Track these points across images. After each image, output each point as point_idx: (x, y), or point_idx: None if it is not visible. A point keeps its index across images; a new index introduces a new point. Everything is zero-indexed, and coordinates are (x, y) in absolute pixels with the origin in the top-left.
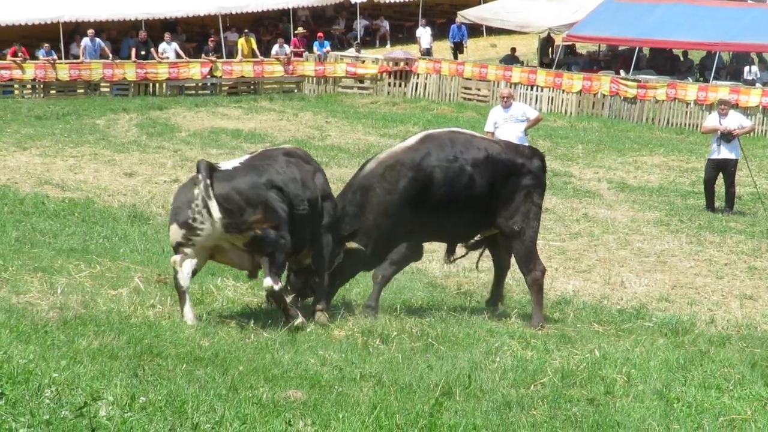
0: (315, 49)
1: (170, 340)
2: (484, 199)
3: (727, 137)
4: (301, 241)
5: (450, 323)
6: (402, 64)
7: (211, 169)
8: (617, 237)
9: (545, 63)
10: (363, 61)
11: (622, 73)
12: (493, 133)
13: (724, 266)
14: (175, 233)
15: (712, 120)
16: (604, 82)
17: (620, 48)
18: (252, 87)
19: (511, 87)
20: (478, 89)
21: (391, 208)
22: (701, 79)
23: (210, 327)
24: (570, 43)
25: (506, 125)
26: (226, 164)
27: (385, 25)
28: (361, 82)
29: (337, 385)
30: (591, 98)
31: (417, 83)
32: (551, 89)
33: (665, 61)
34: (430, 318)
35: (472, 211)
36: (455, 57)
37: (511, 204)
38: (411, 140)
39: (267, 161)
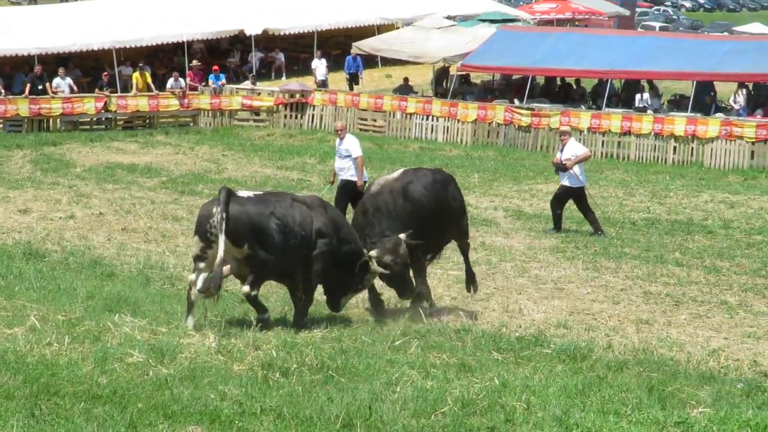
0: (210, 82)
1: (67, 378)
2: None
3: (560, 167)
4: (293, 265)
5: (350, 354)
6: (298, 95)
7: (229, 195)
8: (515, 264)
9: (440, 93)
10: (259, 94)
11: (516, 101)
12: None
13: (620, 291)
14: (196, 244)
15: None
16: (498, 111)
17: (514, 77)
18: (147, 121)
19: (405, 117)
20: (374, 120)
21: None
22: (594, 106)
23: (108, 364)
24: (464, 72)
25: (336, 157)
26: (243, 193)
27: (281, 57)
28: (257, 114)
29: (237, 419)
30: (486, 127)
31: (313, 115)
32: (446, 119)
33: (558, 90)
34: (330, 350)
35: None
36: (351, 88)
37: None
38: None
39: (276, 198)
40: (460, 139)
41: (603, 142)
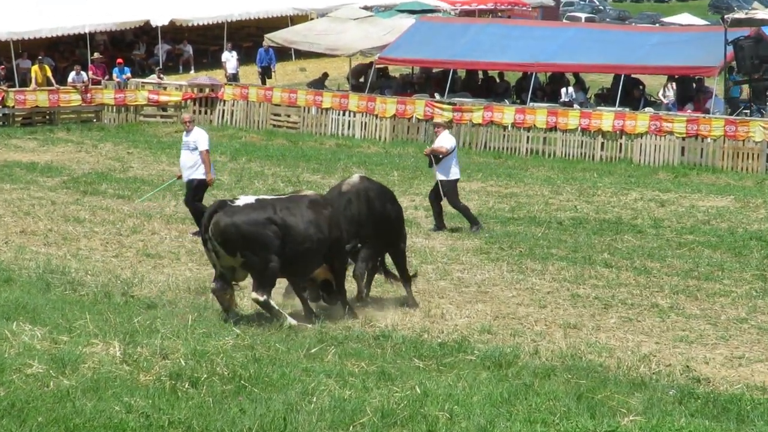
0: (114, 75)
1: None
2: None
3: (433, 158)
4: (311, 266)
5: (263, 363)
6: (207, 90)
7: (217, 210)
8: (436, 267)
9: (356, 86)
10: (165, 88)
11: (437, 96)
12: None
13: (546, 294)
14: (206, 253)
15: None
16: (418, 105)
17: (434, 70)
18: (47, 117)
19: (321, 112)
20: (288, 115)
21: None
22: (518, 101)
23: (5, 375)
24: (382, 65)
25: (182, 151)
26: (242, 200)
27: (189, 49)
28: (164, 110)
29: None
30: (405, 123)
31: (223, 110)
32: (364, 114)
33: (481, 84)
34: (243, 358)
35: None
36: (263, 82)
37: None
38: None
39: (282, 201)
40: (379, 135)
41: (528, 138)
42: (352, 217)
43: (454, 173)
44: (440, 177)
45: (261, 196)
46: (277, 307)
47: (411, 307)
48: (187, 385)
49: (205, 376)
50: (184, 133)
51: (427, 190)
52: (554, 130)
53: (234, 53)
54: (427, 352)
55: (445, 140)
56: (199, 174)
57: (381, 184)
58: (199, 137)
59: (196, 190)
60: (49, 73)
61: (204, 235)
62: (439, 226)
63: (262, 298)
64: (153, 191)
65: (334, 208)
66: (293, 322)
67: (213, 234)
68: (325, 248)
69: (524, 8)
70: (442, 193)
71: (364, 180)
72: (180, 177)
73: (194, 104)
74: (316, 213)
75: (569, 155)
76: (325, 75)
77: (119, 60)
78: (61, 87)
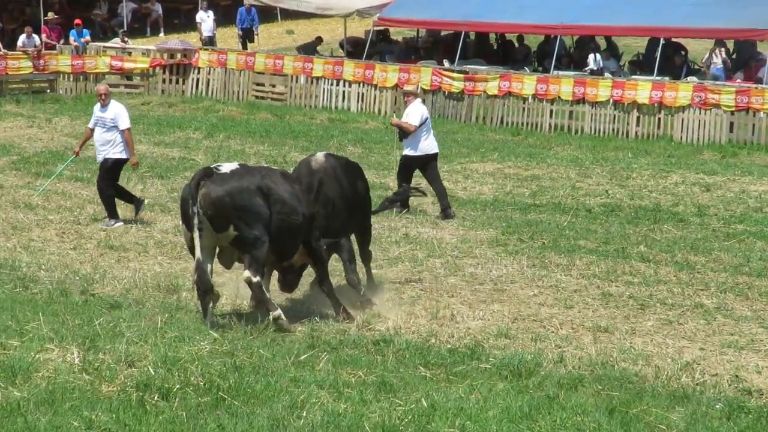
0: (72, 39)
1: None
2: None
3: (402, 134)
4: (296, 244)
5: (245, 372)
6: (179, 56)
7: (204, 177)
8: (445, 261)
9: (352, 53)
10: (131, 54)
11: (446, 63)
12: None
13: (573, 293)
14: (184, 234)
15: None
16: (424, 74)
17: (442, 33)
18: None
19: (311, 82)
20: (273, 85)
21: None
22: (540, 69)
23: None
24: (382, 27)
25: (96, 128)
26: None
27: (158, 8)
28: (129, 78)
29: None
30: None
31: (198, 79)
32: (361, 84)
33: (497, 49)
34: (221, 366)
35: None
36: (244, 47)
37: None
38: None
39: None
40: (378, 108)
41: (551, 111)
42: (326, 200)
43: (424, 148)
44: (408, 152)
45: (240, 162)
46: (268, 294)
47: (364, 305)
48: (156, 398)
49: (178, 386)
50: (98, 107)
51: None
52: (582, 102)
53: (210, 13)
54: (435, 360)
55: (414, 113)
56: (116, 152)
57: (346, 158)
58: (117, 113)
59: (111, 171)
60: None
61: (191, 209)
62: (445, 208)
63: (255, 279)
64: (51, 178)
65: (302, 185)
66: (282, 316)
67: (203, 206)
68: (306, 225)
69: None
70: (399, 166)
71: (330, 158)
72: (77, 154)
73: (163, 72)
74: (292, 186)
75: (599, 132)
76: (319, 39)
77: (77, 21)
78: (9, 52)
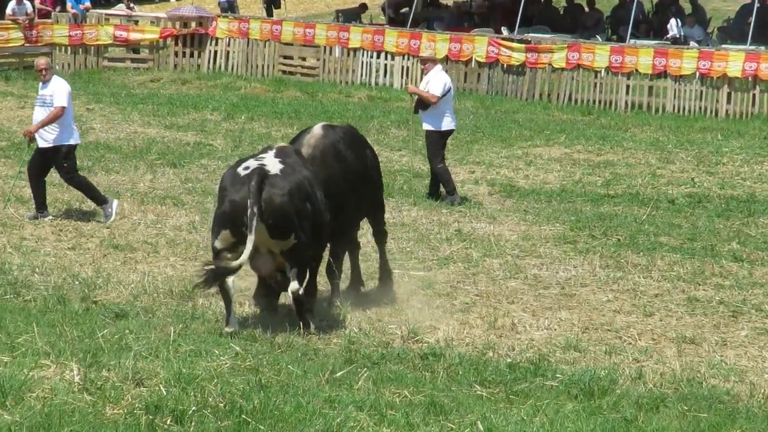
0: (69, 6)
1: None
2: None
3: (420, 105)
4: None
5: (271, 391)
6: (194, 25)
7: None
8: (504, 261)
9: (394, 19)
10: (137, 22)
11: (505, 31)
12: None
13: (654, 298)
14: (224, 240)
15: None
16: (479, 44)
17: None
18: None
19: (347, 54)
20: (303, 58)
21: None
22: (614, 37)
23: None
24: None
25: (36, 108)
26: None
27: None
28: (136, 51)
29: None
30: (461, 68)
31: (216, 52)
32: (405, 57)
33: (564, 14)
34: (244, 384)
35: None
36: (269, 14)
37: None
38: None
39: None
40: None
41: (628, 87)
42: (327, 182)
43: (447, 123)
44: (428, 127)
45: (274, 148)
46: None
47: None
48: (169, 421)
49: (194, 408)
50: (40, 84)
51: (492, 156)
52: (663, 76)
53: None
54: (493, 377)
55: (436, 82)
56: (65, 138)
57: (345, 127)
58: (56, 90)
59: (65, 160)
60: None
61: (249, 215)
62: (451, 193)
63: (302, 291)
64: (15, 178)
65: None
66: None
67: (266, 214)
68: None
69: None
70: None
71: (328, 130)
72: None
73: (176, 44)
74: (312, 172)
75: (683, 110)
76: (363, 7)
77: None
78: None
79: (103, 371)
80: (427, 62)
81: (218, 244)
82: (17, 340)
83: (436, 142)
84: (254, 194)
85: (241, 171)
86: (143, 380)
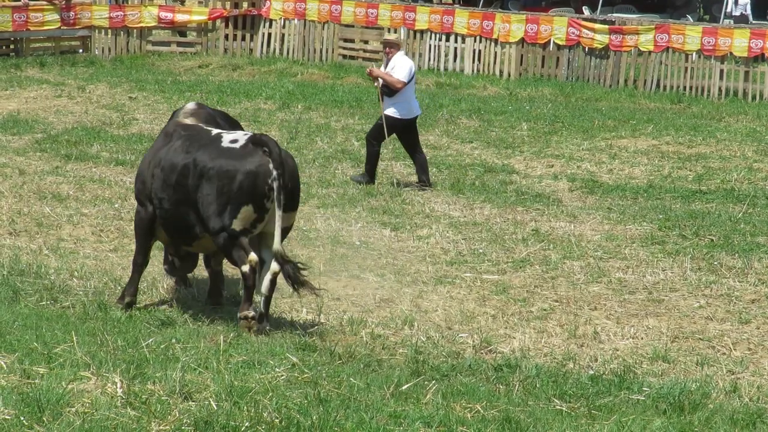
0: None
1: None
2: None
3: (384, 91)
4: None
5: (331, 406)
6: (246, 5)
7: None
8: (586, 264)
9: None
10: (184, 2)
11: (586, 11)
12: None
13: (750, 304)
14: (246, 218)
15: None
16: (558, 25)
17: None
18: (12, 47)
19: (414, 36)
20: (365, 41)
21: None
22: (706, 17)
23: None
24: None
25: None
26: None
27: None
28: (183, 35)
29: None
30: (539, 51)
31: (270, 34)
32: (477, 39)
33: None
34: (302, 398)
35: None
36: None
37: None
38: None
39: None
40: (500, 69)
41: (722, 72)
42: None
43: (413, 109)
44: (389, 113)
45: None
46: None
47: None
48: None
49: (247, 424)
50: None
51: (572, 149)
52: (761, 60)
53: None
54: (574, 390)
55: (401, 66)
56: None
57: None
58: (398, 64)
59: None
60: None
61: (276, 184)
62: (423, 181)
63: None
64: None
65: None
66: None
67: (290, 181)
68: None
69: None
70: (385, 128)
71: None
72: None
73: (226, 26)
74: None
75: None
76: None
77: None
78: (31, 2)
79: (147, 384)
80: (392, 45)
81: (237, 225)
82: (55, 350)
83: (392, 127)
84: (277, 160)
85: (230, 144)
86: (191, 394)
